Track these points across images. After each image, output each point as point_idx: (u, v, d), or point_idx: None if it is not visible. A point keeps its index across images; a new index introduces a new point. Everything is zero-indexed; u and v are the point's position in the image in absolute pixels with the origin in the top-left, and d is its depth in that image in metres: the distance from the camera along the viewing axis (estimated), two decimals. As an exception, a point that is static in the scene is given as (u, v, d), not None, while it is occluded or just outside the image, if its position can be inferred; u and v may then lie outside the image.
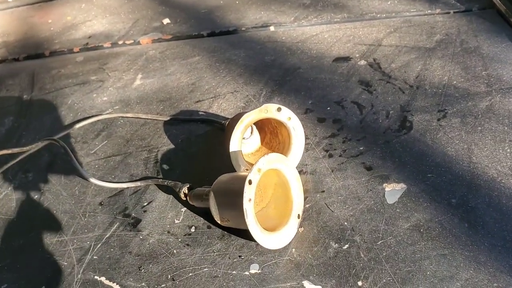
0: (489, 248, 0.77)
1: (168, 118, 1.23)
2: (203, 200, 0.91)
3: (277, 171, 0.88)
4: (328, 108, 1.15)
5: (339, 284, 0.77)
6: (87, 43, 1.76)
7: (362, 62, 1.29)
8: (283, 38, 1.49)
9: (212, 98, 1.28)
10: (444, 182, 0.90)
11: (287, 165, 0.88)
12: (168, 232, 0.93)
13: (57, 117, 1.35)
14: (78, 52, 1.73)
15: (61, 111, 1.37)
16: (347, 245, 0.83)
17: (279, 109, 0.94)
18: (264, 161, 0.82)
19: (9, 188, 1.12)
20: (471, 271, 0.74)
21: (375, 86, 1.19)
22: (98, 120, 1.29)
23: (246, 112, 0.93)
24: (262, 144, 1.09)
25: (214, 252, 0.87)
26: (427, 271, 0.76)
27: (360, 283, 0.76)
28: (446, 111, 1.07)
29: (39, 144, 1.17)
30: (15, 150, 1.18)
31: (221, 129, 1.15)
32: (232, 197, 0.83)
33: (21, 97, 1.50)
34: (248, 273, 0.81)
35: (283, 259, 0.83)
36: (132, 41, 1.70)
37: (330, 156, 1.02)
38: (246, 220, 0.77)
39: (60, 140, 1.14)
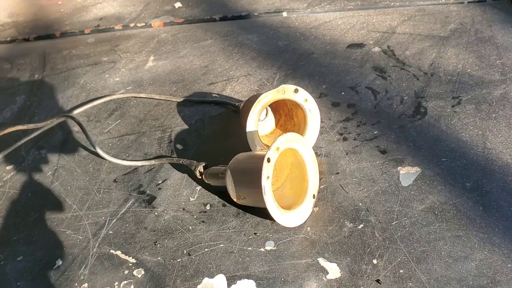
0: (503, 231, 0.78)
1: (182, 99, 1.23)
2: (219, 178, 0.91)
3: (294, 151, 0.88)
4: (342, 93, 1.16)
5: (354, 261, 0.78)
6: (98, 25, 1.76)
7: (376, 49, 1.29)
8: (296, 24, 1.50)
9: (225, 80, 1.29)
10: (458, 167, 0.91)
11: (304, 145, 0.88)
12: (183, 209, 0.94)
13: (69, 96, 1.35)
14: (89, 33, 1.73)
15: (73, 91, 1.37)
16: (362, 225, 0.84)
17: (296, 91, 0.94)
18: (282, 140, 0.82)
19: (23, 164, 1.12)
20: (485, 252, 0.75)
21: (389, 73, 1.19)
22: (111, 100, 1.29)
23: (262, 93, 0.94)
24: (276, 126, 1.09)
25: (230, 229, 0.87)
26: (441, 251, 0.77)
27: (375, 261, 0.77)
28: (460, 98, 1.07)
29: (54, 121, 1.18)
30: (30, 126, 1.19)
31: (235, 111, 1.16)
32: (250, 175, 0.84)
33: (33, 76, 1.50)
34: (263, 250, 0.82)
35: (298, 237, 0.84)
36: (143, 24, 1.70)
37: (345, 139, 1.03)
38: (264, 197, 0.78)
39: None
